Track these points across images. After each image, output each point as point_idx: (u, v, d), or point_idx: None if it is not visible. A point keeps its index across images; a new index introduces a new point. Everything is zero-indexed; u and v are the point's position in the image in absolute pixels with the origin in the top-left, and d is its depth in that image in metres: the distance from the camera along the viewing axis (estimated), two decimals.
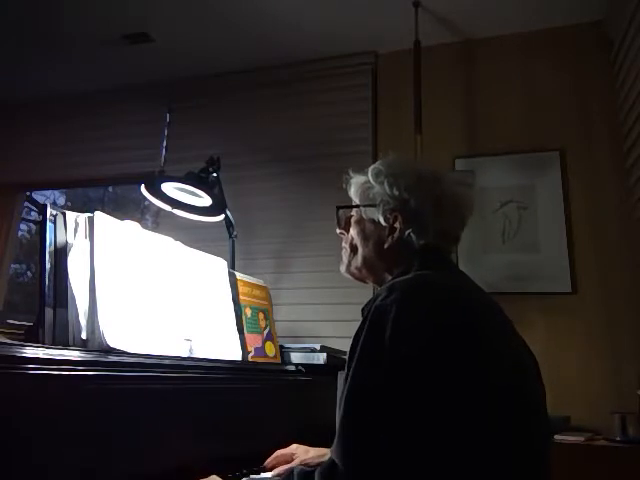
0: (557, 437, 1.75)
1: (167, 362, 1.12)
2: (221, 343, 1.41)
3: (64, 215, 1.09)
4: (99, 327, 1.02)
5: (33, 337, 0.96)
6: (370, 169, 1.06)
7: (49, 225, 1.06)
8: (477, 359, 0.76)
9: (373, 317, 0.80)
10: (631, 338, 2.04)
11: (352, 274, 1.09)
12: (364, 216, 1.05)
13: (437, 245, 0.98)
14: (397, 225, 0.99)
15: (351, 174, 1.10)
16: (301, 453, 1.20)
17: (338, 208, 1.12)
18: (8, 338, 0.93)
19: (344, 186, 1.11)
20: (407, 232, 0.98)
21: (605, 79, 2.33)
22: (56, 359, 0.84)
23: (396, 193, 0.99)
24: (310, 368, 1.65)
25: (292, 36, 2.59)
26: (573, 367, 2.06)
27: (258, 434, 1.23)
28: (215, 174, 2.05)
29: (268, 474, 1.19)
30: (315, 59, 2.74)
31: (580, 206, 2.24)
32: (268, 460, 1.21)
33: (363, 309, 0.88)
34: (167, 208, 1.92)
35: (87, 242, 1.10)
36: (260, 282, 1.79)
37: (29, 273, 5.71)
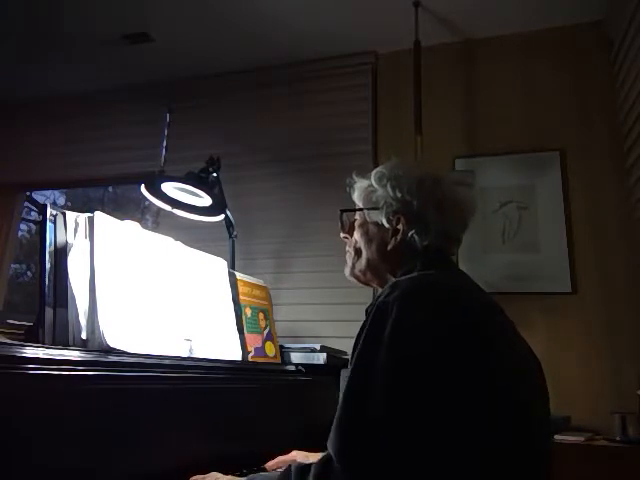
0: (557, 437, 1.74)
1: (167, 362, 1.12)
2: (221, 343, 1.41)
3: (64, 215, 1.09)
4: (99, 327, 1.02)
5: (33, 337, 0.96)
6: (373, 173, 1.07)
7: (49, 225, 1.06)
8: (477, 359, 0.76)
9: (375, 315, 0.81)
10: (631, 338, 2.04)
11: (356, 277, 1.10)
12: (367, 219, 1.06)
13: (439, 246, 0.99)
14: (400, 227, 1.00)
15: (355, 178, 1.12)
16: (301, 459, 1.21)
17: (342, 212, 1.13)
18: (8, 338, 0.93)
19: (347, 190, 1.13)
20: (410, 233, 0.98)
21: (605, 79, 2.33)
22: (56, 359, 0.84)
23: (399, 195, 1.01)
24: (310, 368, 1.65)
25: (292, 36, 2.59)
26: (573, 367, 2.06)
27: (258, 434, 1.23)
28: (215, 174, 2.05)
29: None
30: (315, 59, 2.74)
31: (580, 206, 2.24)
32: (269, 464, 1.22)
33: (367, 309, 0.89)
34: (167, 208, 1.92)
35: (87, 242, 1.10)
36: (260, 282, 1.79)
37: (29, 273, 5.71)
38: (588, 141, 2.29)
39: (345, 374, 0.85)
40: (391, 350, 0.76)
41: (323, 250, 2.40)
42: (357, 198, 1.10)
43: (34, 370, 0.78)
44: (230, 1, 2.39)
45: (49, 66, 2.98)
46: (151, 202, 1.95)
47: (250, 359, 1.51)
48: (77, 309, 1.03)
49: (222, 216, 2.08)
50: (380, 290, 0.98)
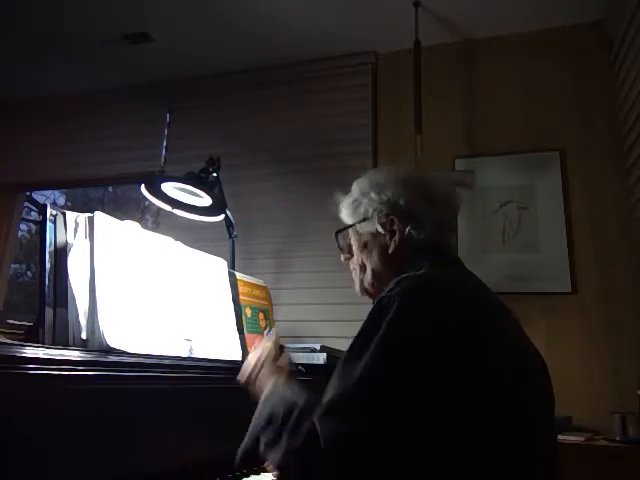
0: (557, 437, 1.74)
1: (167, 362, 1.12)
2: (221, 343, 1.41)
3: (64, 215, 1.09)
4: (99, 327, 1.02)
5: (33, 337, 0.96)
6: (353, 188, 1.08)
7: (49, 225, 1.05)
8: (477, 358, 0.76)
9: (375, 308, 0.81)
10: (631, 338, 2.04)
11: (367, 291, 1.09)
12: (362, 233, 1.06)
13: (437, 238, 0.99)
14: (395, 227, 1.00)
15: (339, 199, 1.12)
16: None
17: (336, 234, 1.13)
18: (8, 338, 0.93)
19: (335, 209, 1.12)
20: (407, 230, 0.98)
21: (605, 79, 2.33)
22: (56, 359, 0.84)
23: (384, 198, 1.01)
24: (310, 368, 1.64)
25: (292, 36, 2.59)
26: (573, 367, 2.06)
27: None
28: (215, 174, 2.05)
29: (268, 474, 1.19)
30: (315, 59, 2.74)
31: (580, 206, 2.24)
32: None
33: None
34: (167, 208, 1.92)
35: (87, 242, 1.10)
36: (260, 282, 1.79)
37: (29, 273, 5.72)
38: (588, 141, 2.29)
39: None
40: (387, 342, 0.76)
41: (323, 250, 2.40)
42: (346, 216, 1.10)
43: (34, 370, 0.78)
44: (230, 1, 2.39)
45: (49, 66, 2.98)
46: (151, 202, 1.95)
47: None
48: (77, 309, 1.03)
49: (222, 216, 2.08)
50: None
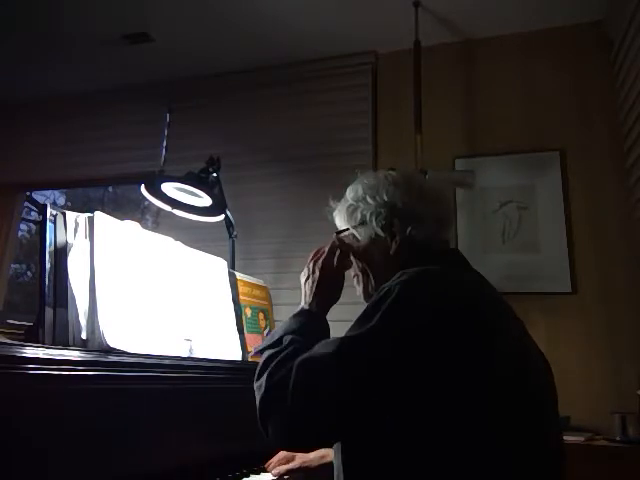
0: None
1: (167, 362, 1.12)
2: (221, 343, 1.41)
3: (64, 215, 1.09)
4: (99, 327, 1.02)
5: (33, 337, 0.96)
6: (347, 194, 1.08)
7: (49, 225, 1.05)
8: (475, 354, 0.76)
9: (377, 296, 0.82)
10: (631, 338, 2.04)
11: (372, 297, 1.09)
12: (360, 239, 1.04)
13: (438, 234, 1.00)
14: (395, 228, 0.99)
15: (332, 205, 1.11)
16: (302, 454, 1.21)
17: (337, 234, 1.12)
18: (8, 338, 0.93)
19: (329, 217, 1.12)
20: (408, 230, 0.98)
21: (605, 79, 2.33)
22: (56, 359, 0.84)
23: (381, 202, 1.01)
24: None
25: (292, 36, 2.59)
26: (573, 367, 2.05)
27: (258, 434, 1.23)
28: (215, 174, 2.04)
29: (268, 474, 1.19)
30: (315, 59, 2.74)
31: (580, 206, 2.24)
32: (271, 461, 1.22)
33: None
34: (167, 208, 1.92)
35: (87, 242, 1.10)
36: (260, 282, 1.79)
37: (29, 273, 5.71)
38: (588, 141, 2.29)
39: None
40: (387, 326, 0.77)
41: None
42: (342, 221, 1.09)
43: (34, 370, 0.78)
44: (230, 1, 2.39)
45: (49, 66, 2.98)
46: (151, 202, 1.95)
47: (250, 359, 1.51)
48: (77, 309, 1.03)
49: (222, 216, 2.08)
50: None
